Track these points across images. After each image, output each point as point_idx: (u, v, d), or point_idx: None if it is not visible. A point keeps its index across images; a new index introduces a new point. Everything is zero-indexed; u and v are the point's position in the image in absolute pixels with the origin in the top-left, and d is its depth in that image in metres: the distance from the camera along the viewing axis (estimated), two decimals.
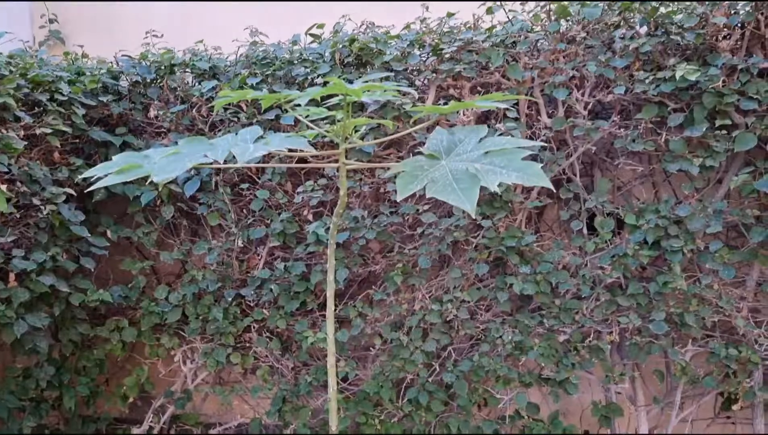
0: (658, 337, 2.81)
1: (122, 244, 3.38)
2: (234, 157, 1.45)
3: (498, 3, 2.79)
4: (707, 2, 2.62)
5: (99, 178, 1.44)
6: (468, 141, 1.58)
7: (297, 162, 3.05)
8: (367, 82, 1.60)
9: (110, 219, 3.24)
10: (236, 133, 1.59)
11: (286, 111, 2.93)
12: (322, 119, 1.78)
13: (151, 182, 3.03)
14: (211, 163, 1.43)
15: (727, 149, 2.62)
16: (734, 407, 2.87)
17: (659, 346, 2.81)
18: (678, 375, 2.84)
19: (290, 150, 2.98)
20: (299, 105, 1.66)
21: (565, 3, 2.74)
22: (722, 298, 2.72)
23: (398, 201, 1.37)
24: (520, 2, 2.85)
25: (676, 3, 2.65)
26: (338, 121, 1.66)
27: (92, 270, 3.08)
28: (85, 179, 2.99)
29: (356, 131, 1.82)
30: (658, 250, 2.74)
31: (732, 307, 2.72)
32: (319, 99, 1.63)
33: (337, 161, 1.62)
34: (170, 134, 3.14)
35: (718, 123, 2.62)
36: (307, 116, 1.79)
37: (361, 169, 3.03)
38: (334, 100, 1.78)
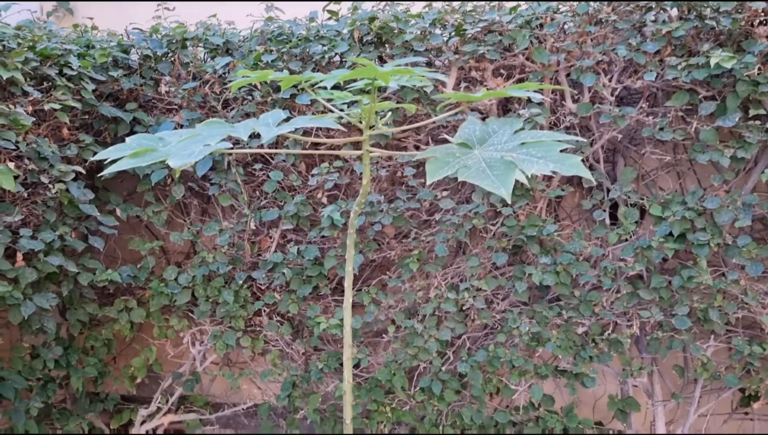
0: (679, 332, 2.74)
1: (131, 223, 3.31)
2: (247, 144, 1.38)
3: None
4: None
5: (112, 161, 1.37)
6: (502, 132, 1.51)
7: (312, 145, 2.96)
8: (398, 66, 1.51)
9: (119, 197, 3.17)
10: (257, 118, 1.51)
11: (303, 90, 2.84)
12: (347, 104, 1.69)
13: (163, 160, 2.96)
14: (231, 148, 1.35)
15: (760, 140, 2.53)
16: (755, 405, 2.81)
17: (680, 341, 2.74)
18: (699, 371, 2.77)
19: (305, 132, 2.88)
20: (322, 87, 1.57)
21: None
22: (748, 294, 2.64)
23: (427, 183, 1.31)
24: None
25: None
26: (364, 105, 1.57)
27: (101, 249, 3.01)
28: (94, 156, 2.91)
29: (381, 117, 1.74)
30: (684, 243, 2.66)
31: (757, 303, 2.64)
32: (342, 82, 1.55)
33: (358, 146, 1.54)
34: (182, 111, 3.05)
35: (751, 112, 2.51)
36: (330, 100, 1.70)
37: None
38: (358, 84, 1.69)
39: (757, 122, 2.52)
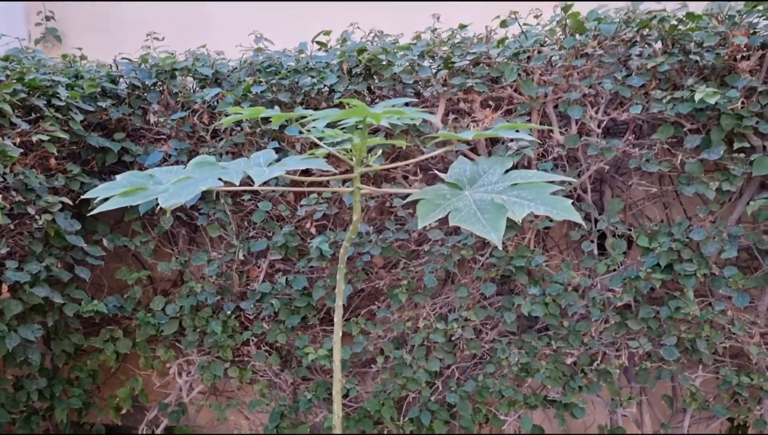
0: (668, 362, 2.75)
1: (118, 253, 3.28)
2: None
3: (512, 16, 2.71)
4: (727, 21, 2.56)
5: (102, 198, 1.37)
6: (492, 172, 1.52)
7: (300, 178, 2.97)
8: (388, 106, 1.53)
9: (106, 227, 3.15)
10: (248, 157, 1.52)
11: (291, 120, 2.85)
12: (337, 143, 1.70)
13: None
14: (221, 187, 1.36)
15: (745, 172, 2.56)
16: None
17: (669, 371, 2.75)
18: (688, 401, 2.78)
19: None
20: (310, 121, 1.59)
21: (581, 18, 2.66)
22: (735, 324, 2.66)
23: (419, 227, 1.31)
24: (534, 16, 2.77)
25: (695, 21, 2.58)
26: (355, 143, 1.58)
27: (87, 279, 2.99)
28: (81, 186, 2.89)
29: (371, 153, 1.75)
30: (671, 274, 2.68)
31: (744, 333, 2.66)
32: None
33: (348, 176, 1.56)
34: (170, 141, 3.05)
35: (736, 146, 2.55)
36: (321, 138, 1.71)
37: (365, 184, 2.95)
38: (350, 121, 1.71)
39: (742, 155, 2.55)
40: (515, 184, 1.42)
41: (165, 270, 3.09)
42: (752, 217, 2.66)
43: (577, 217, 1.26)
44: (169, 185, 1.44)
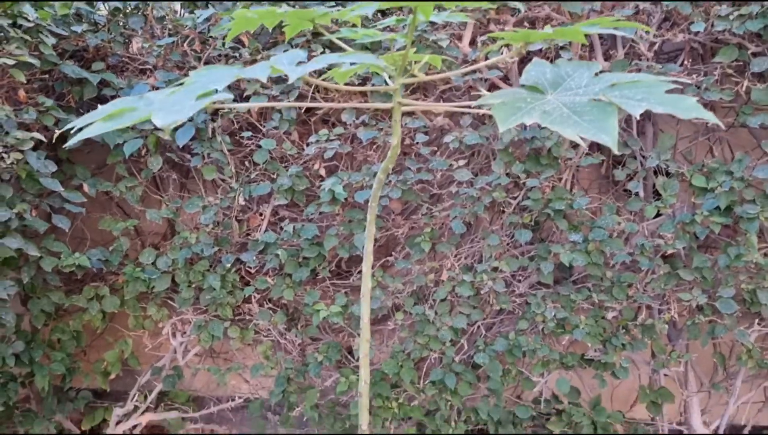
0: (721, 316, 2.47)
1: (101, 200, 2.92)
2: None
3: None
4: None
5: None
6: (579, 75, 1.18)
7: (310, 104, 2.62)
8: None
9: (87, 170, 2.78)
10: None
11: (300, 46, 2.48)
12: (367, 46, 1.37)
13: (135, 128, 2.56)
14: (224, 104, 1.01)
15: None
16: None
17: (724, 327, 2.47)
18: (744, 359, 2.50)
19: (300, 95, 2.50)
20: (336, 29, 1.25)
21: None
22: None
23: (499, 132, 0.96)
24: None
25: None
26: (392, 54, 1.24)
27: (66, 230, 2.63)
28: (56, 123, 2.52)
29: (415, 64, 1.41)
30: (729, 217, 2.37)
31: None
32: (359, 22, 1.24)
33: (388, 88, 1.22)
34: (156, 72, 2.67)
35: None
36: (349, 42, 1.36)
37: (382, 116, 2.61)
38: (387, 21, 1.37)
39: None
40: (615, 84, 1.10)
41: (154, 218, 2.74)
42: None
43: (709, 116, 0.95)
44: (164, 97, 1.07)
